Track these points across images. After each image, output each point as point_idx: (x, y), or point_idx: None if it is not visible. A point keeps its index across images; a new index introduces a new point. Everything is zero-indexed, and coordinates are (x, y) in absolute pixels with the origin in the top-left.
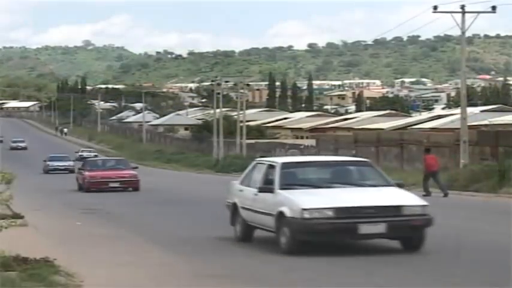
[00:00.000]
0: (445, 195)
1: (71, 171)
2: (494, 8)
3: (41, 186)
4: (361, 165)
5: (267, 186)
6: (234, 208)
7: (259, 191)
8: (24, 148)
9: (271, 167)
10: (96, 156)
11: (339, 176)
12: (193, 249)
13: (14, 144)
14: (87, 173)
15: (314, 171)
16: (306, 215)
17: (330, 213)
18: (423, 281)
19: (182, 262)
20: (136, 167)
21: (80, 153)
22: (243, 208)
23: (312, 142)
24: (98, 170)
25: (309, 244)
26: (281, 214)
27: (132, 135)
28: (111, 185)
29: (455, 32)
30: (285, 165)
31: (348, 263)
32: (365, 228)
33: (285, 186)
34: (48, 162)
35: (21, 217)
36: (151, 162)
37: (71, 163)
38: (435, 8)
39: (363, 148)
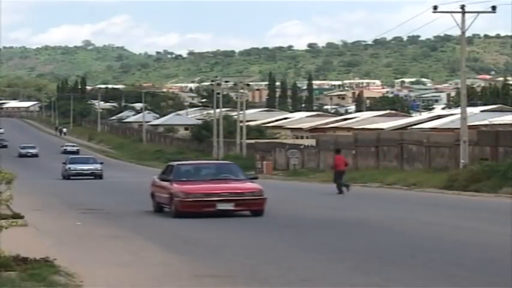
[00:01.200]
0: (347, 187)
1: (98, 176)
2: (494, 8)
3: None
4: None
5: None
6: None
7: None
8: (35, 155)
9: None
10: (78, 150)
11: None
12: (193, 249)
13: (23, 151)
14: (176, 186)
15: None
16: None
17: None
18: (423, 281)
19: (182, 262)
20: (255, 177)
21: (64, 147)
22: None
23: (312, 142)
24: (195, 181)
25: None
26: None
27: (132, 135)
28: (221, 206)
29: (455, 32)
30: None
31: (348, 263)
32: None
33: None
34: (69, 166)
35: (21, 217)
36: (152, 162)
37: (97, 166)
38: (435, 8)
39: (363, 148)
